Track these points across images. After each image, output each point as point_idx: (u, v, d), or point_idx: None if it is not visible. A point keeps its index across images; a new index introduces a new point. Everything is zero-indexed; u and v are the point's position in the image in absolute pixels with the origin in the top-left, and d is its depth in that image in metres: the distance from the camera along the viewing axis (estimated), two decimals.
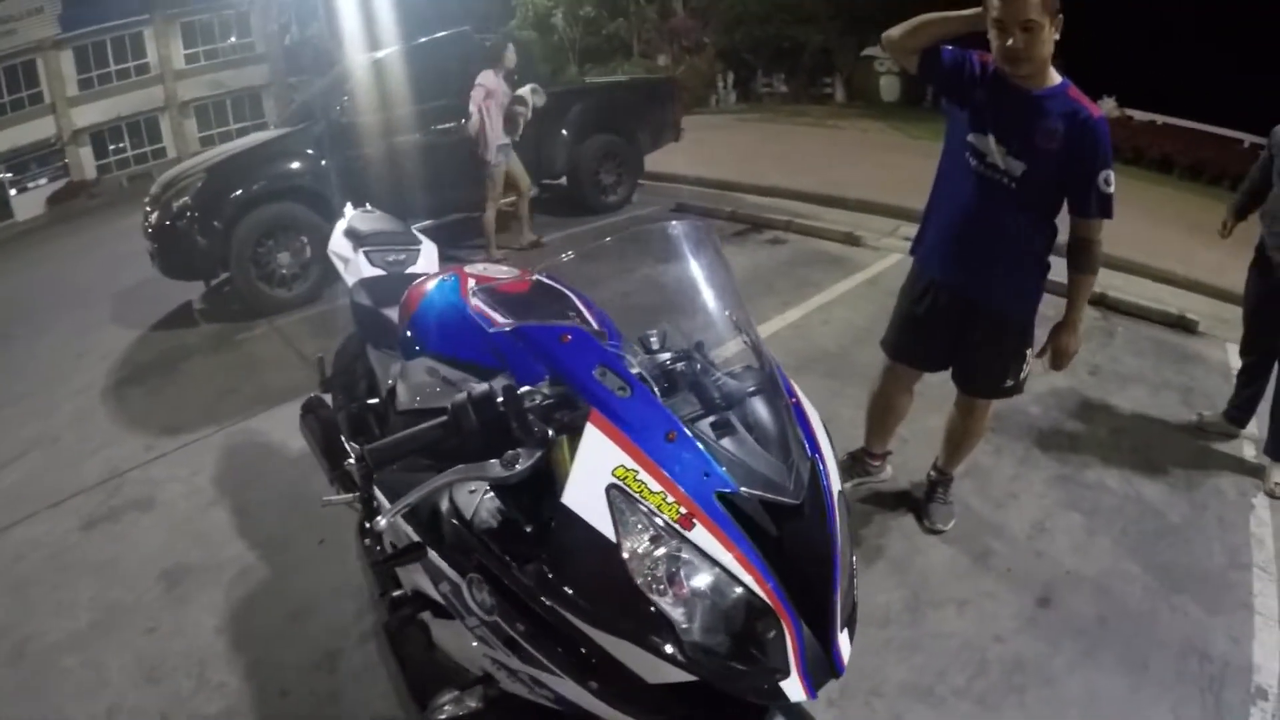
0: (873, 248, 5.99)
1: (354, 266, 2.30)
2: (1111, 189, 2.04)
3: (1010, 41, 1.93)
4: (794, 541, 0.96)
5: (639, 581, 0.89)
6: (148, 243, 4.96)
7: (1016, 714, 1.97)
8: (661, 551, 0.90)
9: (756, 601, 0.89)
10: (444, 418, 1.02)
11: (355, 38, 10.05)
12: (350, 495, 1.99)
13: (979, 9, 2.01)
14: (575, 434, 0.99)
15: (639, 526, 0.91)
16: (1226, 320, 4.32)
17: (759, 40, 15.73)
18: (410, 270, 2.27)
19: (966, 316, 2.30)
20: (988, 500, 2.79)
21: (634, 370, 1.10)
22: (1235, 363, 3.95)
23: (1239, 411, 3.24)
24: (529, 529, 1.02)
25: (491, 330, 1.31)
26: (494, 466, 0.98)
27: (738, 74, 15.81)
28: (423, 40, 5.85)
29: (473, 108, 5.11)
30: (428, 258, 2.39)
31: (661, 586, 0.89)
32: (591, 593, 0.92)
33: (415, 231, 2.56)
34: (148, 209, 5.00)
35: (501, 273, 1.72)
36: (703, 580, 0.90)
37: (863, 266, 5.46)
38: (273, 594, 2.43)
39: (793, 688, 0.89)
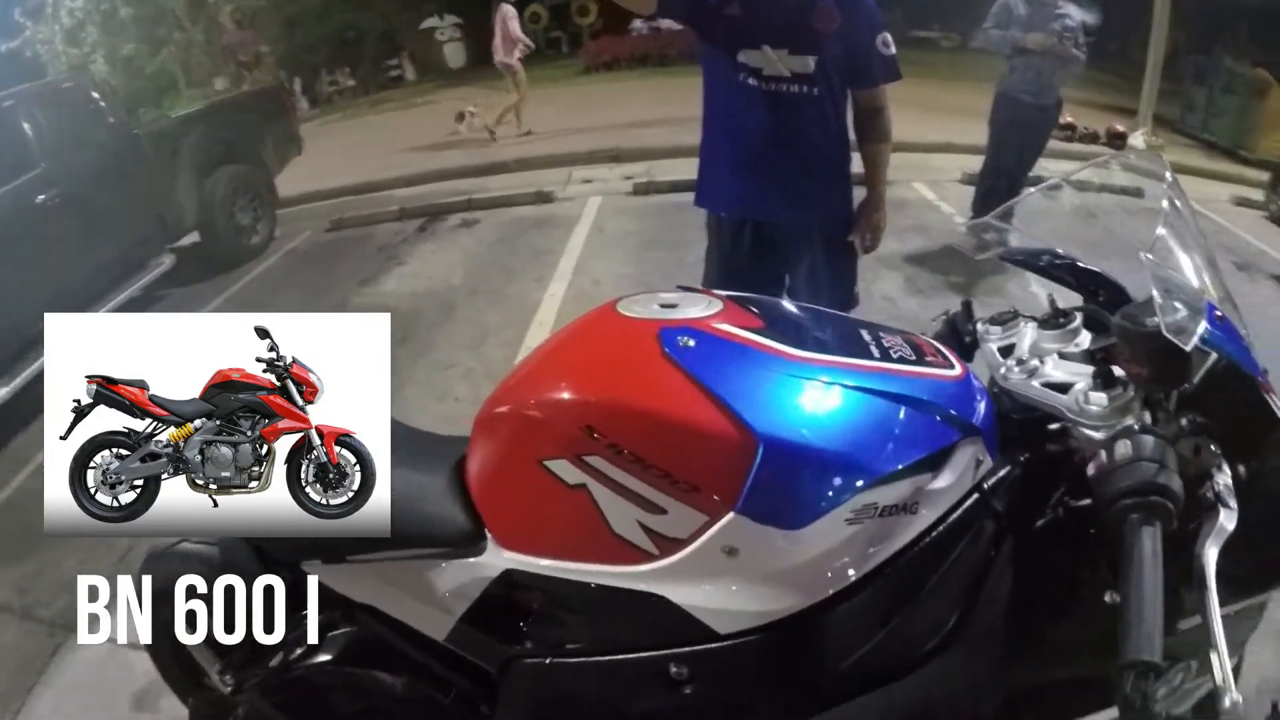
0: (567, 198, 5.95)
1: None
2: (892, 50, 1.96)
3: None
4: None
5: None
6: None
7: None
8: None
9: None
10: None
11: None
12: None
13: None
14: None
15: None
16: (897, 166, 5.31)
17: (319, 38, 14.42)
18: None
19: (797, 243, 2.08)
20: None
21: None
22: (930, 195, 4.95)
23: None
24: None
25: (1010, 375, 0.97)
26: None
27: (304, 79, 14.34)
28: None
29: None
30: None
31: None
32: None
33: None
34: None
35: (697, 303, 0.99)
36: None
37: (577, 217, 5.40)
38: None
39: None
